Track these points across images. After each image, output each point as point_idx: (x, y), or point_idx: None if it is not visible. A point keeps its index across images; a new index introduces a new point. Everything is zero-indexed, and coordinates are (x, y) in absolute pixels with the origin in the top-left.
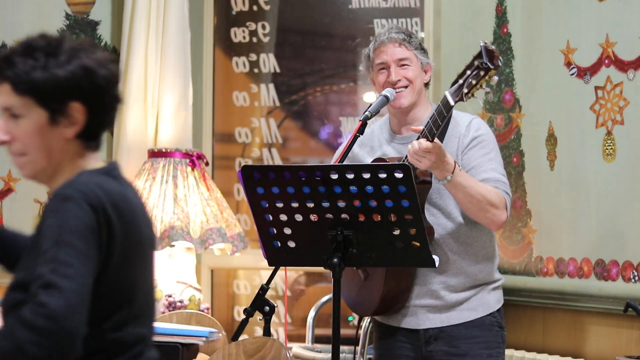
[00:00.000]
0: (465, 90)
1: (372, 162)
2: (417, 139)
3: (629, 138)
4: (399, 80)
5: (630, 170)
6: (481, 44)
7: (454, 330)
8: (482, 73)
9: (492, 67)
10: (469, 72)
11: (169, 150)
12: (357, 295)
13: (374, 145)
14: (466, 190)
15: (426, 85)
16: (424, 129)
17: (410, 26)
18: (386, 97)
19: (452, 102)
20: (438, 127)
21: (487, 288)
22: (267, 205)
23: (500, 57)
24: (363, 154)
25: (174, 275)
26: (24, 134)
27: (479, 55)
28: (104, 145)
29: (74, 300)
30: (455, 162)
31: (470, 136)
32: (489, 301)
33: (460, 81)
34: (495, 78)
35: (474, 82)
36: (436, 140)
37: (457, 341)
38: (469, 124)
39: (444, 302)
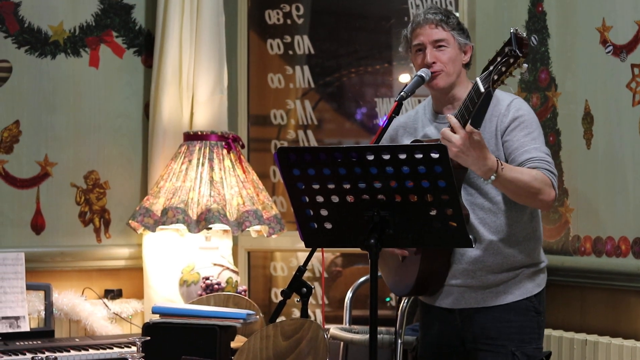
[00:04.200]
0: (495, 77)
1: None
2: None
3: None
4: (434, 62)
5: None
6: (511, 31)
7: (489, 312)
8: (511, 60)
9: (520, 55)
10: (499, 58)
11: (204, 133)
12: (395, 276)
13: (417, 127)
14: (513, 184)
15: (466, 65)
16: (456, 115)
17: (445, 6)
18: (421, 77)
19: (482, 89)
20: (470, 113)
21: (527, 271)
22: (303, 186)
23: (535, 37)
24: (406, 137)
25: (211, 257)
26: None
27: (508, 42)
28: (140, 128)
29: None
30: (497, 159)
31: (510, 117)
32: (527, 285)
33: (491, 67)
34: (525, 65)
35: (503, 69)
36: (468, 129)
37: (490, 323)
38: (510, 104)
39: (479, 282)
